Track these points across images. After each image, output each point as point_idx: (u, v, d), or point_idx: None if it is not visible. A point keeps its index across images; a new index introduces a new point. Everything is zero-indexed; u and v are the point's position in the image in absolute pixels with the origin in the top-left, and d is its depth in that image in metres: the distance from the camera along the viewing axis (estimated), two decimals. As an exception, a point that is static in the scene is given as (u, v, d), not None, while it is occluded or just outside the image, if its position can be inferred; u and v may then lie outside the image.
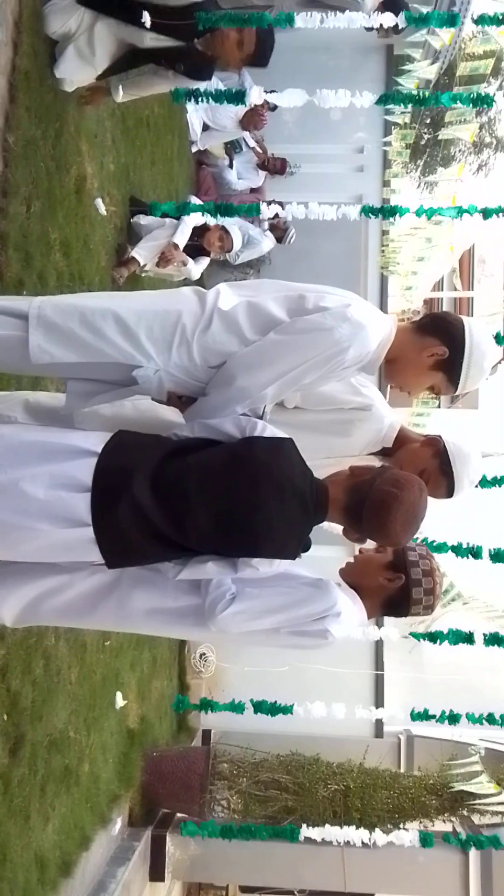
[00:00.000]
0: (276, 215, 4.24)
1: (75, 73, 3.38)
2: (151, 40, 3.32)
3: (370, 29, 5.86)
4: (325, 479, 1.86)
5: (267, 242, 6.98)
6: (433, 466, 2.15)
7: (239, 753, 5.10)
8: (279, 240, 7.13)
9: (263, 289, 1.97)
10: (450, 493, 2.17)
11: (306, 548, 1.86)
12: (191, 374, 1.89)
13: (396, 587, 1.96)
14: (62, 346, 1.84)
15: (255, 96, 3.55)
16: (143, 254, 4.78)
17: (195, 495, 1.72)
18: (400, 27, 4.02)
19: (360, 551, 2.07)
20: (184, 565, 1.78)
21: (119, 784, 4.22)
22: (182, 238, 5.09)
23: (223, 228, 5.60)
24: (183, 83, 3.63)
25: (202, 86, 3.76)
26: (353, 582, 1.99)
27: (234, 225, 5.87)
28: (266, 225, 6.84)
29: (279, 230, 7.09)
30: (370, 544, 2.03)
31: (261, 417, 1.96)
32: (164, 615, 1.87)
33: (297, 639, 1.88)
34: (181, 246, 5.12)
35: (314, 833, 4.16)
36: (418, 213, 4.21)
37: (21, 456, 1.72)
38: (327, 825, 4.26)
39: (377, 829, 4.25)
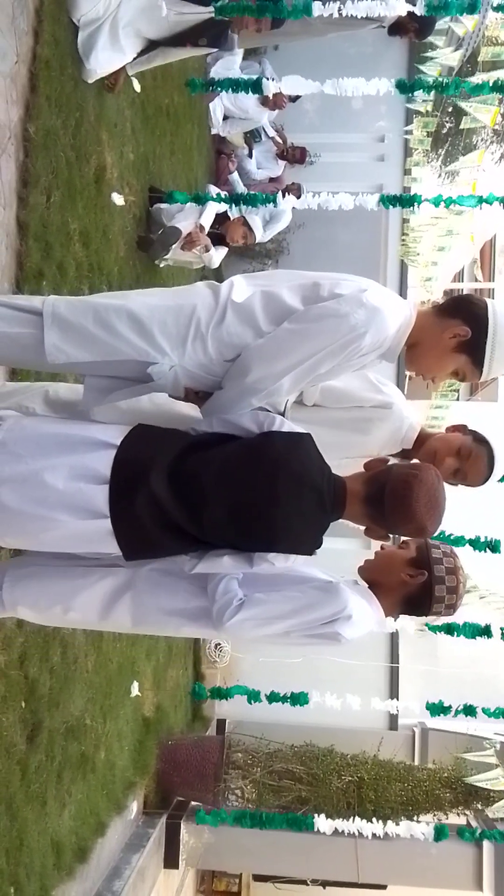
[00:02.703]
0: (296, 187, 4.23)
1: (108, 63, 3.39)
2: (175, 16, 3.34)
3: (393, 34, 5.82)
4: (342, 477, 1.84)
5: (288, 210, 6.86)
6: (468, 441, 2.13)
7: (253, 743, 5.13)
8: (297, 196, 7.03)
9: (277, 278, 1.94)
10: (491, 462, 2.15)
11: (318, 545, 1.84)
12: (206, 369, 1.87)
13: (418, 584, 1.92)
14: (77, 345, 1.83)
15: (271, 89, 3.59)
16: (183, 225, 4.77)
17: (212, 489, 1.71)
18: (423, 33, 4.03)
19: (382, 547, 2.03)
20: (200, 559, 1.78)
21: (134, 771, 4.26)
22: (207, 220, 5.09)
23: (245, 224, 5.58)
24: (201, 52, 3.69)
25: (222, 73, 3.80)
26: (373, 579, 1.96)
27: (254, 213, 5.85)
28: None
29: (294, 191, 7.01)
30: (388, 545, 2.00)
31: (282, 414, 1.94)
32: (178, 616, 1.87)
33: (308, 641, 1.86)
34: (207, 228, 5.12)
35: (328, 824, 4.17)
36: (436, 202, 4.17)
37: (42, 447, 1.72)
38: (341, 817, 4.28)
39: (391, 821, 4.25)
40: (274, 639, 1.87)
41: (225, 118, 6.78)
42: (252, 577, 1.85)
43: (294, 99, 6.68)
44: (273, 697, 3.61)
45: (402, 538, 2.00)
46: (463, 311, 1.93)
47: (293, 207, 6.07)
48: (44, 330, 1.83)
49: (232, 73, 5.78)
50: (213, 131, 6.82)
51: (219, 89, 3.88)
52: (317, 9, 3.56)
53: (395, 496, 1.76)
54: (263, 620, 1.80)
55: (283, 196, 4.55)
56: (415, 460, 2.26)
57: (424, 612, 1.98)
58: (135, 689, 4.30)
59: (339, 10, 3.57)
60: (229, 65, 6.24)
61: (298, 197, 6.58)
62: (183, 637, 5.44)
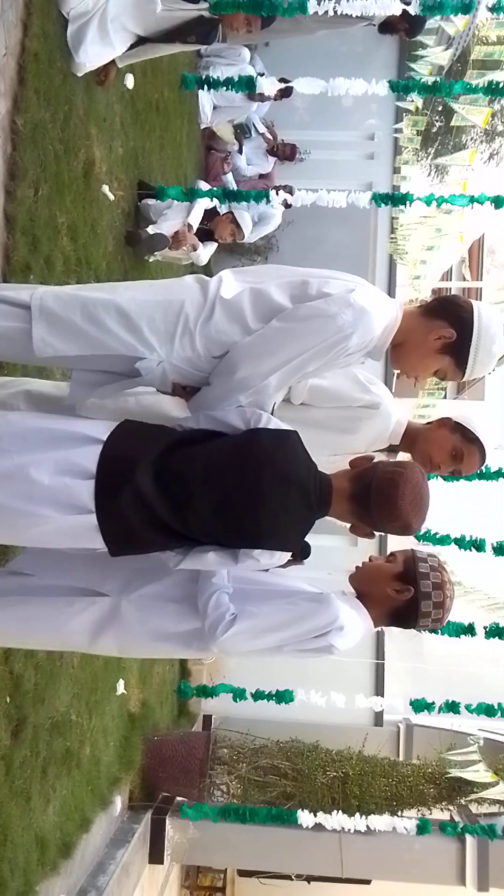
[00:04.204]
0: (286, 195, 4.24)
1: (97, 57, 3.37)
2: (165, 12, 3.34)
3: (383, 32, 5.83)
4: (328, 475, 1.85)
5: (278, 214, 6.87)
6: (458, 441, 2.14)
7: (239, 739, 5.14)
8: (287, 206, 7.02)
9: (267, 274, 1.93)
10: (482, 456, 2.17)
11: (305, 555, 1.84)
12: (194, 365, 1.87)
13: (404, 600, 1.92)
14: (65, 338, 1.83)
15: (268, 87, 3.60)
16: (164, 227, 4.76)
17: (198, 485, 1.72)
18: (414, 31, 4.04)
19: (371, 558, 2.03)
20: (185, 555, 1.78)
21: (120, 767, 4.26)
22: (195, 219, 5.07)
23: (234, 221, 5.56)
24: (190, 48, 3.69)
25: (212, 71, 3.82)
26: (361, 589, 1.96)
27: (242, 210, 5.84)
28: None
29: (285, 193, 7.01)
30: (377, 555, 2.00)
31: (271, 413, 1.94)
32: (167, 641, 1.87)
33: (301, 655, 1.86)
34: (195, 227, 5.10)
35: (312, 819, 4.19)
36: (427, 201, 4.18)
37: (28, 442, 1.72)
38: (325, 812, 4.29)
39: (375, 816, 4.28)
40: (266, 653, 1.86)
41: (214, 108, 6.77)
42: (242, 592, 1.85)
43: (286, 94, 6.67)
44: (258, 696, 3.62)
45: (390, 551, 2.01)
46: (449, 313, 1.94)
47: (284, 203, 6.09)
48: (31, 323, 1.82)
49: (240, 70, 5.76)
50: (203, 125, 6.80)
51: (211, 89, 3.87)
52: (312, 6, 3.55)
53: (381, 494, 1.76)
54: (257, 633, 1.80)
55: (276, 193, 4.54)
56: (401, 455, 2.27)
57: (411, 626, 1.97)
58: (120, 688, 4.29)
59: (335, 8, 3.57)
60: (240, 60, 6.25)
61: (288, 206, 6.59)
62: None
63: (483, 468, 2.40)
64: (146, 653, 1.97)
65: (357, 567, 2.01)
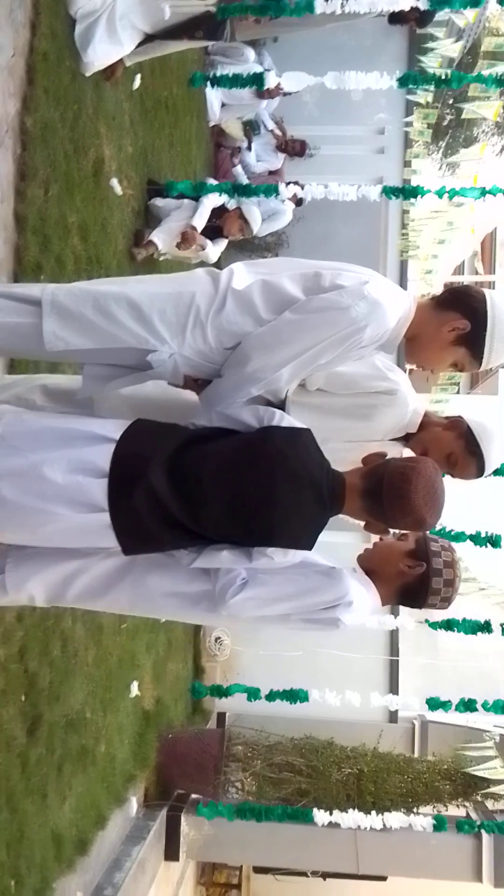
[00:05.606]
0: (294, 195, 4.22)
1: (106, 56, 3.37)
2: (172, 8, 3.33)
3: (394, 23, 5.77)
4: (341, 472, 1.84)
5: (288, 210, 6.84)
6: (460, 448, 2.11)
7: (253, 736, 5.14)
8: (298, 203, 6.99)
9: (279, 267, 1.92)
10: (480, 472, 2.13)
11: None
12: (206, 357, 1.87)
13: (416, 575, 1.92)
14: (76, 332, 1.83)
15: (272, 81, 3.60)
16: (161, 237, 4.75)
17: (210, 484, 1.71)
18: (425, 20, 4.01)
19: (381, 539, 2.03)
20: (198, 553, 1.78)
21: (134, 764, 4.27)
22: (200, 221, 5.05)
23: (242, 216, 5.52)
24: (198, 45, 3.67)
25: (221, 68, 3.81)
26: (371, 568, 1.97)
27: (252, 205, 5.81)
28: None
29: (294, 197, 6.99)
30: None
31: (283, 401, 1.93)
32: (177, 599, 1.87)
33: (307, 625, 1.87)
34: (199, 229, 5.08)
35: (327, 816, 4.19)
36: (440, 194, 4.16)
37: (41, 441, 1.72)
38: (340, 809, 4.29)
39: (391, 813, 4.27)
40: (273, 621, 1.87)
41: (222, 105, 6.75)
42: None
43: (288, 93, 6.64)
44: (272, 696, 3.62)
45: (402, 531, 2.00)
46: (461, 303, 1.93)
47: (296, 201, 6.07)
48: (42, 318, 1.82)
49: (245, 70, 5.74)
50: (212, 123, 6.79)
51: (218, 87, 3.87)
52: (319, 6, 3.54)
53: (393, 489, 1.75)
54: (266, 601, 1.80)
55: (286, 187, 4.53)
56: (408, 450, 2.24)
57: (420, 604, 1.98)
58: (134, 689, 4.30)
59: (342, 5, 3.55)
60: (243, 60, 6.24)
61: (300, 204, 6.57)
62: (181, 623, 5.45)
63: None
64: (154, 610, 1.98)
65: (367, 548, 2.01)
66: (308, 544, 1.79)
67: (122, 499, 1.68)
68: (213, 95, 6.56)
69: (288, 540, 1.74)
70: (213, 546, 1.77)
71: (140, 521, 1.70)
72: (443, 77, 4.14)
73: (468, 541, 3.41)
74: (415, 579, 1.93)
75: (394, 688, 6.72)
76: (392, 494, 1.76)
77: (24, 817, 2.70)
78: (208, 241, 5.41)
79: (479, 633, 3.42)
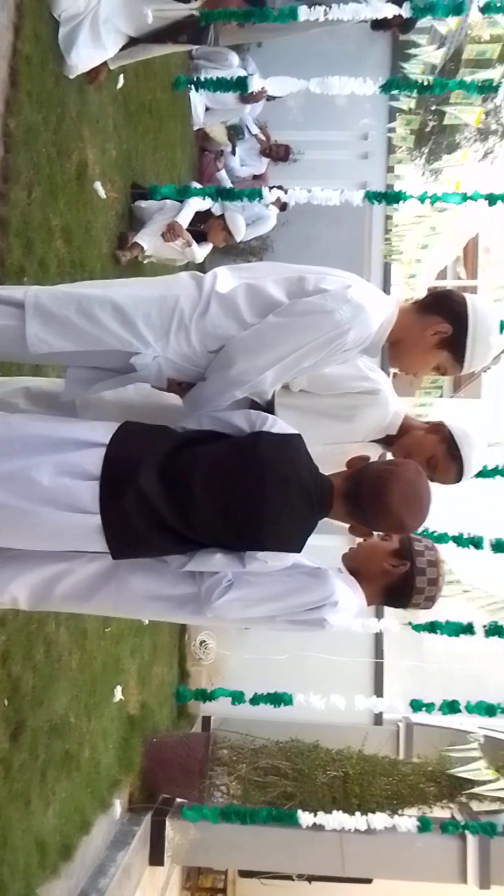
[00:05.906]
0: (278, 199, 4.23)
1: (89, 59, 3.37)
2: (156, 13, 3.34)
3: (377, 28, 5.81)
4: (328, 476, 1.85)
5: (272, 215, 6.84)
6: (441, 452, 2.13)
7: (238, 740, 5.14)
8: (282, 208, 7.00)
9: (263, 271, 1.94)
10: (459, 476, 2.15)
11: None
12: (190, 360, 1.87)
13: (400, 574, 1.93)
14: (59, 335, 1.83)
15: (256, 85, 3.62)
16: (147, 239, 4.74)
17: (201, 488, 1.72)
18: (408, 26, 4.05)
19: (365, 539, 2.04)
20: (190, 557, 1.78)
21: (119, 769, 4.25)
22: (185, 218, 5.05)
23: (225, 227, 5.51)
24: (181, 49, 3.69)
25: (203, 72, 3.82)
26: (355, 567, 1.97)
27: (235, 212, 5.83)
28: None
29: (278, 202, 7.01)
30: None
31: (270, 403, 1.94)
32: (162, 602, 1.86)
33: (293, 626, 1.87)
34: (184, 226, 5.09)
35: (312, 818, 4.19)
36: (422, 199, 4.20)
37: (29, 445, 1.72)
38: (326, 811, 4.29)
39: (375, 815, 4.28)
40: (259, 622, 1.87)
41: (206, 109, 6.76)
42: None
43: (272, 97, 6.67)
44: (256, 700, 3.62)
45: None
46: (443, 307, 1.95)
47: (279, 205, 6.08)
48: (25, 320, 1.82)
49: (229, 75, 5.75)
50: (196, 127, 6.80)
51: (202, 90, 3.89)
52: (303, 13, 3.56)
53: (372, 492, 1.77)
54: (251, 602, 1.80)
55: (270, 191, 4.54)
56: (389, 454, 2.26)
57: (405, 603, 1.98)
58: (118, 694, 4.28)
59: (325, 13, 3.57)
60: (227, 65, 6.24)
61: (284, 209, 6.59)
62: (166, 628, 5.44)
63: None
64: (139, 612, 1.97)
65: (351, 547, 2.02)
66: (297, 547, 1.79)
67: (113, 503, 1.68)
68: (198, 99, 6.57)
69: (278, 543, 1.75)
70: (205, 549, 1.77)
71: (131, 525, 1.70)
72: (425, 83, 4.18)
73: (451, 542, 3.43)
74: (399, 578, 1.94)
75: (379, 690, 6.74)
76: (371, 498, 1.77)
77: (8, 823, 2.68)
78: (194, 241, 5.42)
79: (462, 636, 3.44)
